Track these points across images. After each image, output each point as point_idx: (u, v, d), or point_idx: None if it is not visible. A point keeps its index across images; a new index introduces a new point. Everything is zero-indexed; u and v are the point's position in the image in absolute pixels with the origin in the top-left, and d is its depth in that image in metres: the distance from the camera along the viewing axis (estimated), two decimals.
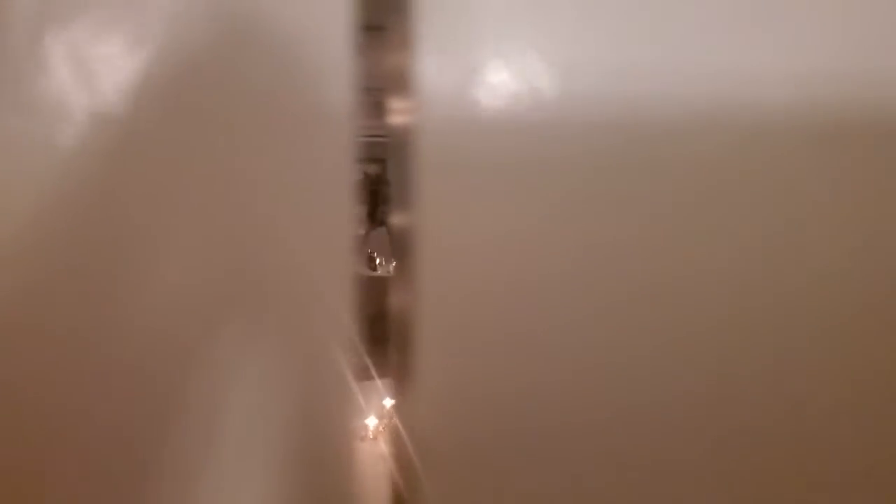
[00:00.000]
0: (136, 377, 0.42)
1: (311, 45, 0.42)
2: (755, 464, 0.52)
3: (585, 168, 0.47)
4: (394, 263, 0.55)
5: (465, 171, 0.45)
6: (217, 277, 0.42)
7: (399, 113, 0.50)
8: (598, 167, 0.47)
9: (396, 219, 0.54)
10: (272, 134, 0.43)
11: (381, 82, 0.55)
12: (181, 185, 0.42)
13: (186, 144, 0.41)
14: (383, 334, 0.57)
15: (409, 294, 0.48)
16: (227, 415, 0.44)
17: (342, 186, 0.44)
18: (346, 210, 0.44)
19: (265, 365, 0.44)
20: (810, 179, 0.49)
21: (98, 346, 0.42)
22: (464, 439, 0.47)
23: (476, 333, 0.47)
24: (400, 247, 0.53)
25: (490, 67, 0.45)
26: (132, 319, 0.41)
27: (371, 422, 1.16)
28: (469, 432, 0.47)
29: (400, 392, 0.55)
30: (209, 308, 0.42)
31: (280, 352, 0.43)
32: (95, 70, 0.40)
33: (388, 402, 0.65)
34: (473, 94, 0.44)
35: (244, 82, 0.42)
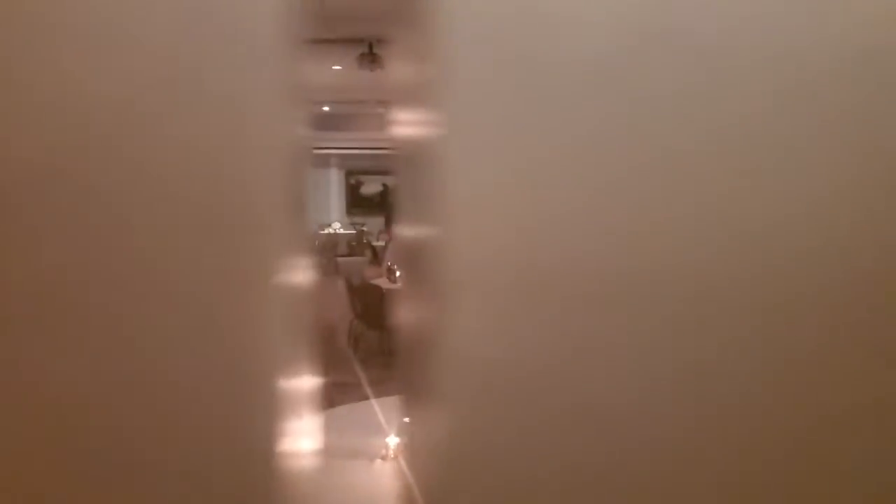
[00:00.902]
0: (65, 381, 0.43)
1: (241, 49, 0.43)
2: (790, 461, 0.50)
3: (595, 169, 0.45)
4: (403, 275, 0.55)
5: (485, 181, 0.44)
6: (154, 280, 0.43)
7: (409, 125, 0.49)
8: (624, 165, 0.46)
9: (409, 230, 0.53)
10: (214, 140, 0.44)
11: (390, 95, 0.54)
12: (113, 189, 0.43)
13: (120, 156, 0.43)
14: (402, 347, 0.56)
15: (425, 307, 0.47)
16: (156, 426, 0.45)
17: (280, 195, 0.44)
18: (284, 220, 0.44)
19: (188, 378, 0.44)
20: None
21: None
22: (482, 455, 0.46)
23: (494, 346, 0.45)
24: (414, 258, 0.52)
25: (513, 70, 0.44)
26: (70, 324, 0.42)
27: (391, 440, 1.14)
28: (488, 447, 0.46)
29: (415, 408, 0.54)
30: (142, 315, 0.44)
31: (208, 363, 0.44)
32: None
33: (406, 420, 0.64)
34: (495, 98, 0.44)
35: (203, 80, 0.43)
